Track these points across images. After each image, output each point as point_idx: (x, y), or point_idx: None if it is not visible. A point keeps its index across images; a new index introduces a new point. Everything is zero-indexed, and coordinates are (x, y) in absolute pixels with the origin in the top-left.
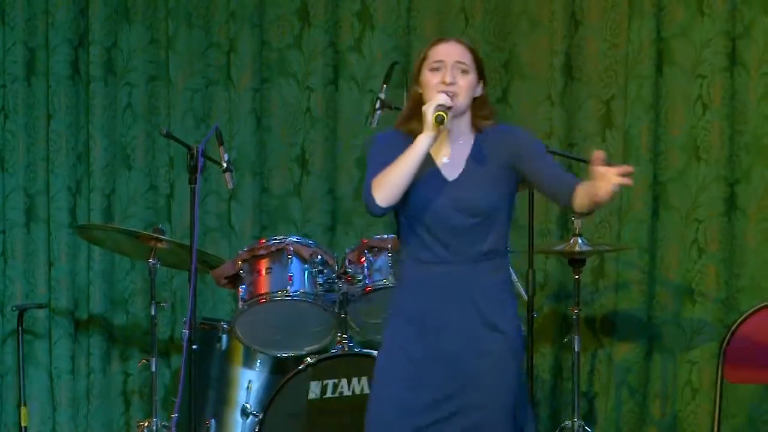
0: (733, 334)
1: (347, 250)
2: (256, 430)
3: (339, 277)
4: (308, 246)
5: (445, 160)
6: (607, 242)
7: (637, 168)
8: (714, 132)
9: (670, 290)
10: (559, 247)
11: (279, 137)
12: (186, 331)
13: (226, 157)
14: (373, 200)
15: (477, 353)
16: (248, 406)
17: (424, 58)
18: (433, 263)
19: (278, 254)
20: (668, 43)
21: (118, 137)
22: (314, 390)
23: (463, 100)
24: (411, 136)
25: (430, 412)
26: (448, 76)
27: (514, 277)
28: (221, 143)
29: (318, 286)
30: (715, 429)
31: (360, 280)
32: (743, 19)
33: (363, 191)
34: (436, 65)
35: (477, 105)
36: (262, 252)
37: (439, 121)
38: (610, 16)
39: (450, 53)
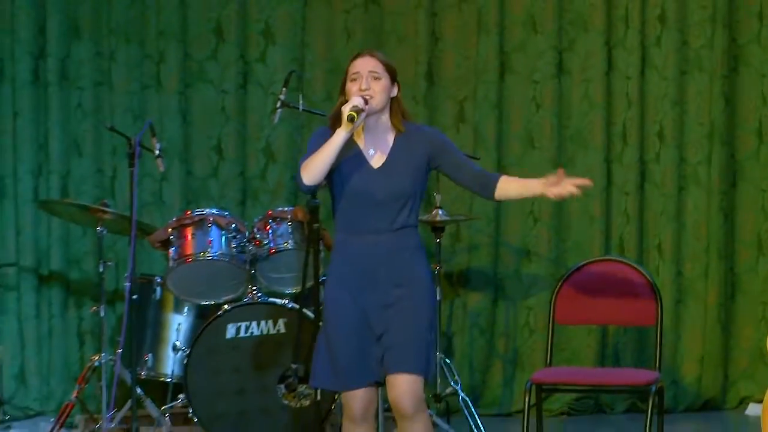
0: (561, 285)
1: (255, 220)
2: (185, 362)
3: (249, 241)
4: (224, 216)
5: (371, 151)
6: (462, 213)
7: (484, 154)
8: (545, 126)
9: (512, 251)
10: (424, 217)
11: (200, 130)
12: (127, 284)
13: (158, 146)
14: (301, 179)
15: (396, 287)
16: (178, 343)
17: (346, 72)
18: (359, 233)
19: (200, 223)
20: (509, 55)
21: (71, 130)
22: (230, 331)
23: (378, 101)
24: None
25: (363, 332)
26: (363, 83)
27: None
28: (154, 135)
29: (232, 248)
30: (548, 360)
31: (266, 244)
32: (568, 36)
33: (297, 175)
34: (354, 76)
35: (394, 104)
36: (187, 221)
37: (350, 120)
38: (462, 34)
39: (365, 65)
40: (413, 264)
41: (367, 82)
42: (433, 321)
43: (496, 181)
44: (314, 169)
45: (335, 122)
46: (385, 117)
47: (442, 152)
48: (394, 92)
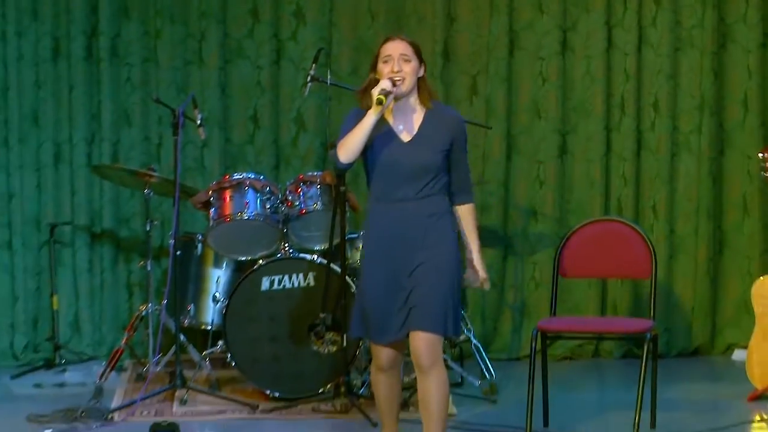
0: (564, 242)
1: (287, 183)
2: (223, 312)
3: (282, 203)
4: (259, 180)
5: (400, 127)
6: (474, 179)
7: (495, 124)
8: (551, 98)
9: (520, 212)
10: None
11: (237, 102)
12: (172, 241)
13: (199, 116)
14: (338, 158)
15: (423, 250)
16: (217, 295)
17: (378, 54)
18: (390, 201)
19: (238, 186)
20: (517, 34)
21: (121, 102)
22: (265, 283)
23: (408, 82)
24: (365, 111)
25: (394, 291)
26: (395, 65)
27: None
28: (196, 106)
29: (267, 209)
30: (552, 310)
31: (297, 205)
32: (571, 17)
33: (331, 153)
34: (386, 58)
35: (421, 84)
36: (226, 185)
37: (379, 102)
38: (475, 14)
39: (396, 48)
40: (439, 230)
41: (399, 64)
42: (457, 282)
43: (462, 202)
44: (349, 148)
45: (363, 96)
46: (414, 96)
47: (456, 142)
48: (421, 72)
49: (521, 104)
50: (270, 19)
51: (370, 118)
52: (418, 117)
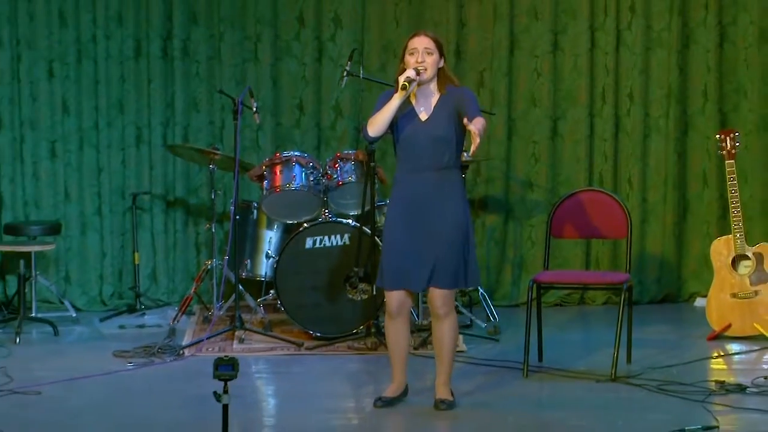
0: (556, 209)
1: (327, 160)
2: (274, 266)
3: (323, 176)
4: (304, 157)
5: (421, 108)
6: (482, 155)
7: (498, 110)
8: (544, 89)
9: (519, 183)
10: None
11: (286, 93)
12: (232, 208)
13: (255, 104)
14: (366, 132)
15: (439, 216)
16: (270, 252)
17: (406, 46)
18: (413, 172)
19: (287, 162)
20: (517, 36)
21: (191, 93)
22: (308, 242)
23: (431, 71)
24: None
25: (411, 247)
26: (420, 57)
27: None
28: (252, 96)
29: (310, 181)
30: (545, 266)
31: (335, 178)
32: (561, 22)
33: (363, 127)
34: (412, 51)
35: (441, 73)
36: (276, 161)
37: (403, 88)
38: (482, 20)
39: (420, 43)
40: (453, 196)
41: (422, 56)
42: (469, 240)
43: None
44: (376, 124)
45: (395, 86)
46: (434, 82)
47: (462, 100)
48: (441, 63)
49: (519, 94)
50: (313, 24)
51: (395, 100)
52: (434, 99)
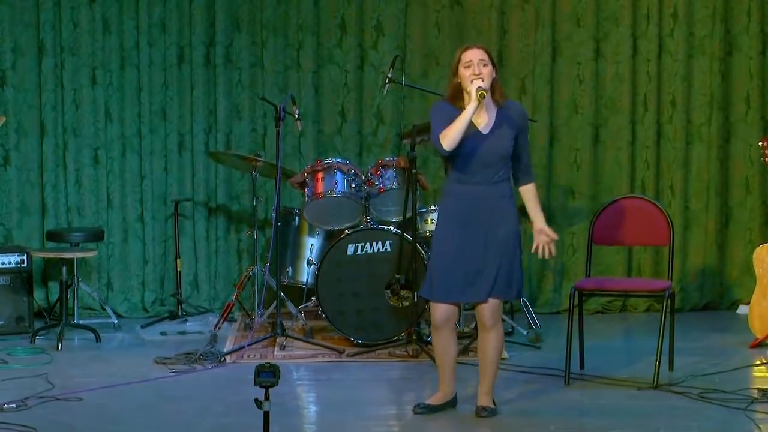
0: (597, 216)
1: (369, 167)
2: (316, 273)
3: (364, 183)
4: (346, 164)
5: (480, 122)
6: None
7: (539, 117)
8: (586, 96)
9: (561, 190)
10: None
11: (328, 100)
12: (274, 214)
13: (297, 111)
14: (442, 146)
15: (496, 228)
16: (311, 259)
17: (458, 60)
18: (468, 184)
19: (328, 169)
20: (559, 43)
21: (233, 100)
22: (350, 249)
23: (488, 82)
24: (457, 108)
25: (464, 259)
26: (476, 69)
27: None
28: (294, 103)
29: (352, 188)
30: (587, 272)
31: (377, 185)
32: (603, 29)
33: (434, 141)
34: (467, 64)
35: (494, 85)
36: (318, 168)
37: (481, 96)
38: (524, 27)
39: (475, 55)
40: (505, 210)
41: (479, 68)
42: (519, 253)
43: (525, 183)
44: (452, 138)
45: (453, 101)
46: (489, 97)
47: (522, 132)
48: (494, 74)
49: (561, 101)
50: (355, 32)
51: (470, 110)
52: (492, 113)
